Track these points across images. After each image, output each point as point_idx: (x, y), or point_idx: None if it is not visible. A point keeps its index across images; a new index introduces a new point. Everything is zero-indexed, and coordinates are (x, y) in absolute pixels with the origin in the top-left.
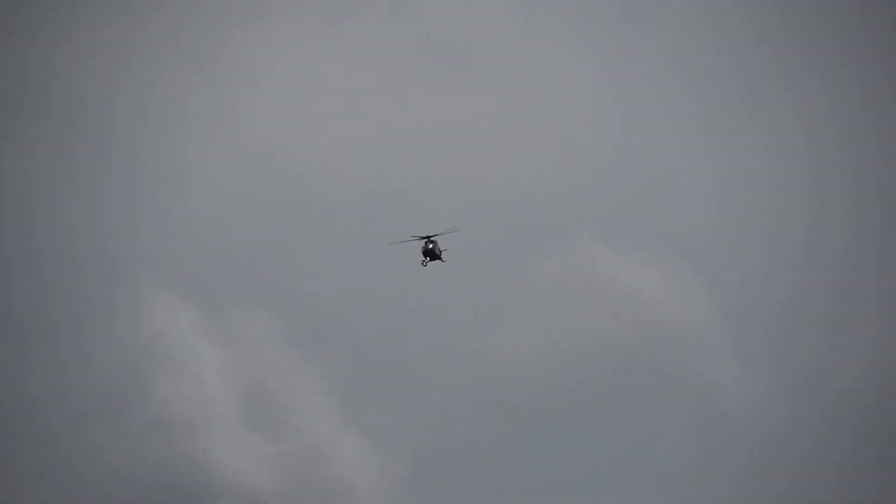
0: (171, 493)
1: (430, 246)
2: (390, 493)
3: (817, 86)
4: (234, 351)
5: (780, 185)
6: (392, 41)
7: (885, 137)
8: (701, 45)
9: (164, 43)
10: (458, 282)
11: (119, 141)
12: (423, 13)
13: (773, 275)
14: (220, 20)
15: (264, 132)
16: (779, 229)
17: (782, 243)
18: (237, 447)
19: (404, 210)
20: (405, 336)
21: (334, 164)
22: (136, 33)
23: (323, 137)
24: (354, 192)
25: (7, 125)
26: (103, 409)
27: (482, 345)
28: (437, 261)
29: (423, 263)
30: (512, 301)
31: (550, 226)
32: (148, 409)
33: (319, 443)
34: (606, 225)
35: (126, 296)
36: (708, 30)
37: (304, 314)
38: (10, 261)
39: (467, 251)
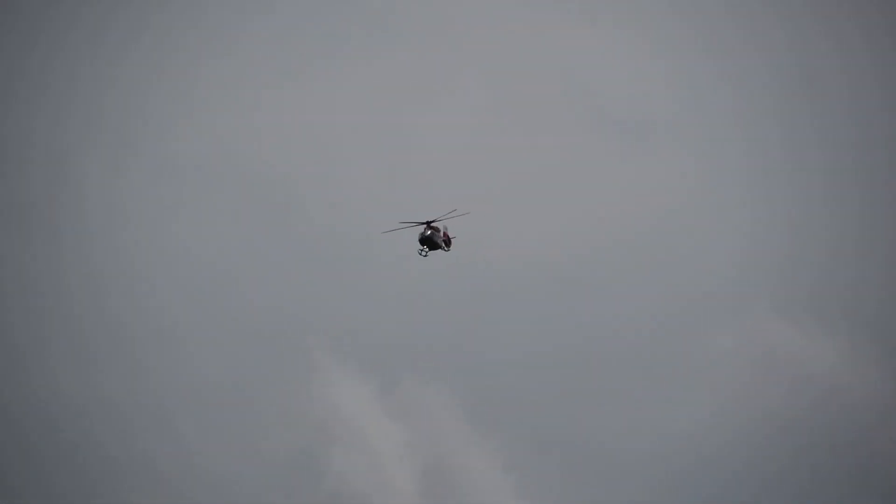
0: None
1: (429, 233)
2: None
3: None
4: (411, 425)
5: None
6: (568, 116)
7: None
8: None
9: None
10: (632, 355)
11: (297, 209)
12: (597, 89)
13: None
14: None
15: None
16: None
17: None
18: None
19: (583, 280)
20: (582, 411)
21: (514, 236)
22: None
23: (507, 210)
24: (531, 262)
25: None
26: (280, 483)
27: (660, 420)
28: (439, 250)
29: (421, 253)
30: (687, 374)
31: (724, 296)
32: (324, 484)
33: None
34: (782, 295)
35: (302, 369)
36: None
37: (481, 388)
38: (184, 331)
39: (641, 322)
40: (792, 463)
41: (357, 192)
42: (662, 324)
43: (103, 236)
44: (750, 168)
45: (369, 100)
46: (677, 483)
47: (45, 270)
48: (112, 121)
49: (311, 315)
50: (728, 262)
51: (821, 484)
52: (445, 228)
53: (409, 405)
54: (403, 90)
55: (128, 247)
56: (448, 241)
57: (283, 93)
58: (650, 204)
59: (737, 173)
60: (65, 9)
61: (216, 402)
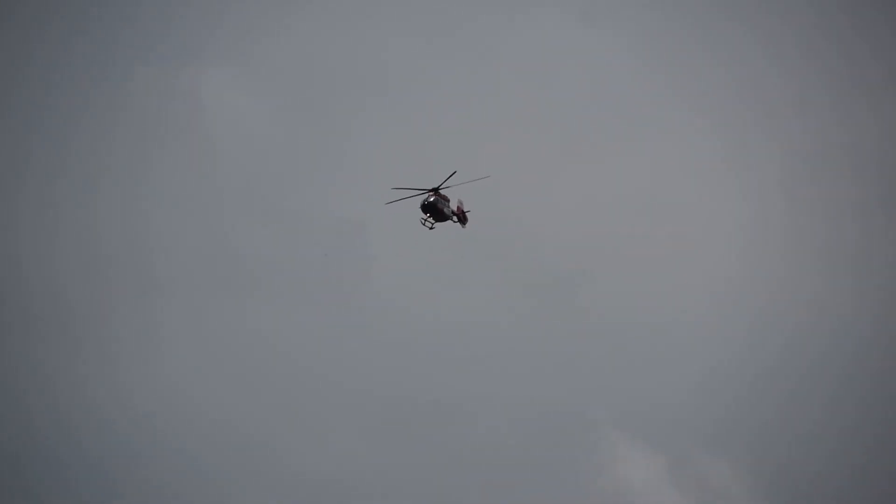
0: None
1: (432, 199)
2: None
3: None
4: (702, 502)
5: None
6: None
7: None
8: None
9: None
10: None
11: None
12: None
13: None
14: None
15: None
16: None
17: None
18: None
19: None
20: (871, 485)
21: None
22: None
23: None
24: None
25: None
26: None
27: None
28: (449, 222)
29: (425, 223)
30: None
31: None
32: None
33: None
34: None
35: (589, 444)
36: None
37: (774, 462)
38: (471, 407)
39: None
40: None
41: (638, 270)
42: None
43: (351, 306)
44: None
45: (659, 175)
46: None
47: (253, 339)
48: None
49: (594, 389)
50: None
51: None
52: (461, 203)
53: (699, 480)
54: (693, 167)
55: (371, 323)
56: (463, 217)
57: (568, 172)
58: None
59: None
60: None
61: (503, 481)
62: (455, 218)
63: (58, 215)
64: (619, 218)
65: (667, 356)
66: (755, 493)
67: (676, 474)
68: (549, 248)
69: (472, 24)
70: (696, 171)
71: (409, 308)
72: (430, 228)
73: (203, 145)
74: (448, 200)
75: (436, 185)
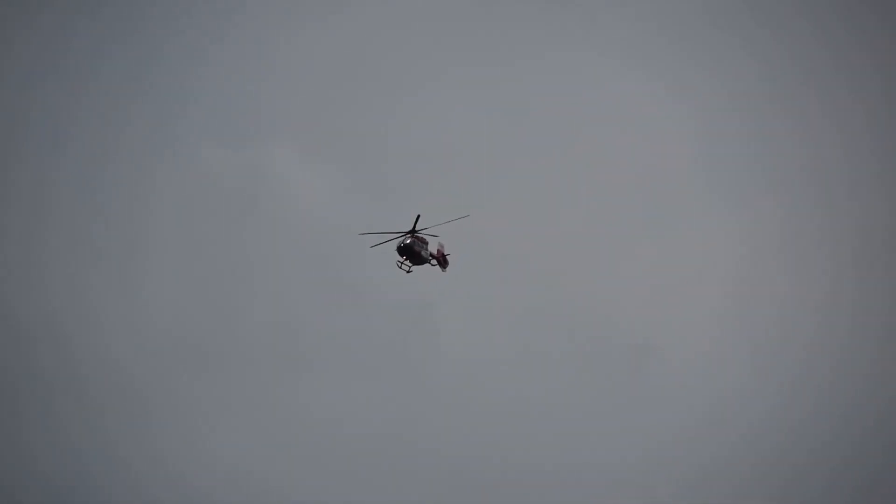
0: None
1: (409, 241)
2: None
3: None
4: None
5: None
6: None
7: None
8: None
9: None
10: None
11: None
12: None
13: None
14: None
15: None
16: None
17: None
18: None
19: None
20: None
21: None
22: None
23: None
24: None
25: None
26: None
27: None
28: (427, 266)
29: (401, 265)
30: None
31: None
32: None
33: None
34: None
35: None
36: None
37: None
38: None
39: None
40: None
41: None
42: None
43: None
44: None
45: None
46: None
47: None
48: None
49: (662, 461)
50: None
51: None
52: (441, 246)
53: None
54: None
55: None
56: (443, 260)
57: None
58: None
59: None
60: None
61: None
62: (434, 261)
63: (120, 291)
64: (685, 291)
65: (735, 427)
66: None
67: None
68: (616, 321)
69: (544, 99)
70: (758, 247)
71: (476, 384)
72: (408, 272)
73: (267, 222)
74: (426, 243)
75: (414, 230)
